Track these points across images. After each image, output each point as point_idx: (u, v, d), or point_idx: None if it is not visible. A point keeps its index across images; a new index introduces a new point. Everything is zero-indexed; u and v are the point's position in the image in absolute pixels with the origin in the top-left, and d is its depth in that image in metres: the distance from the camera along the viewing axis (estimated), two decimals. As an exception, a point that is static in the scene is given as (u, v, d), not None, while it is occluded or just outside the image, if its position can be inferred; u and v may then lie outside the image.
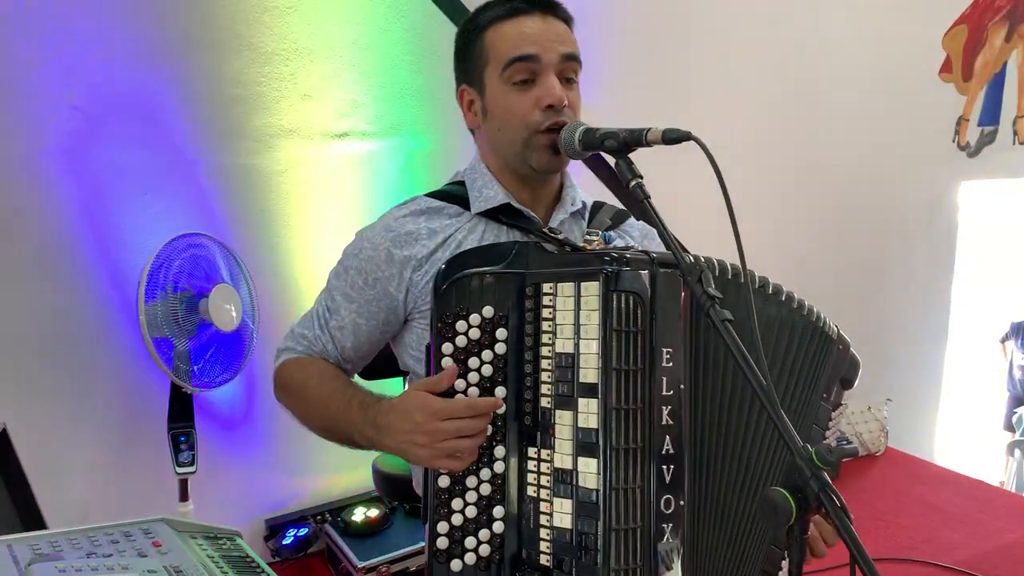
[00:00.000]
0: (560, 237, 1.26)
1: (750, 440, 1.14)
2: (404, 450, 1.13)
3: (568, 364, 1.07)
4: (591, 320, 1.05)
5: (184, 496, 2.14)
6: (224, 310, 2.07)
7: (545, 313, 1.11)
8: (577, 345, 1.07)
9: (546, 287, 1.11)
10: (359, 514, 2.47)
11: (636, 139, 1.12)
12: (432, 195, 1.38)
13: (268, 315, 2.31)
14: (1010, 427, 4.22)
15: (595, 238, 1.24)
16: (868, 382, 3.50)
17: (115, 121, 2.16)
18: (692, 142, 1.06)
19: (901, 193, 3.78)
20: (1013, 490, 3.74)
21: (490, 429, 1.11)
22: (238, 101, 2.30)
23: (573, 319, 1.07)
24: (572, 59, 1.28)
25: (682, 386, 1.08)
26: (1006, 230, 4.18)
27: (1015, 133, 4.12)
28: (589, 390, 1.05)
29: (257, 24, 2.28)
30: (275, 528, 2.48)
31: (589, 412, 1.05)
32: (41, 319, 2.12)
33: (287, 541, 2.43)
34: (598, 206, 1.46)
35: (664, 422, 1.06)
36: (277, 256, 2.42)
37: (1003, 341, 4.33)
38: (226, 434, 2.42)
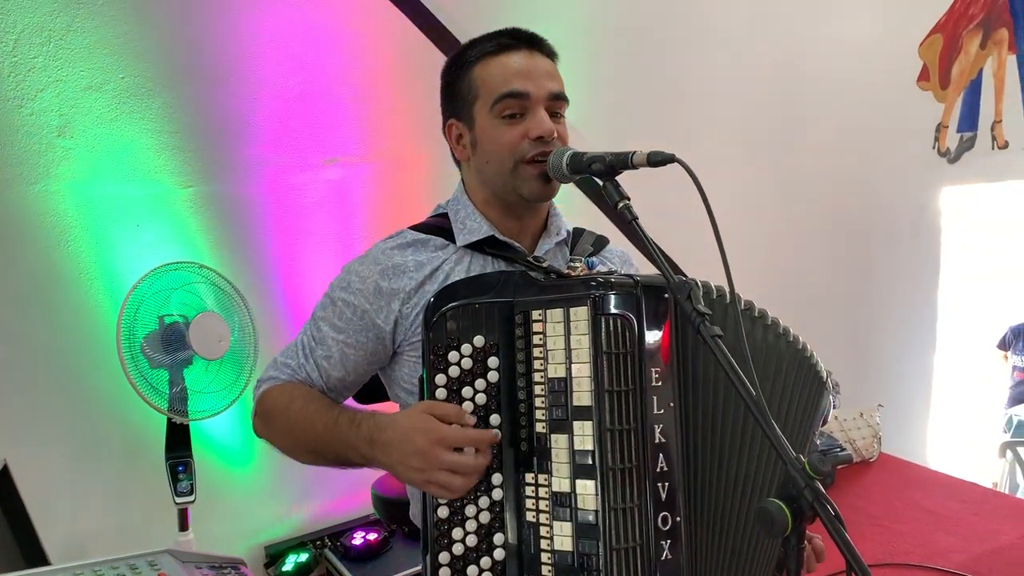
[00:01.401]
0: (545, 265, 1.28)
1: (745, 454, 1.16)
2: (398, 471, 1.14)
3: (561, 388, 1.10)
4: (582, 344, 1.08)
5: (184, 526, 2.14)
6: (208, 338, 2.07)
7: (535, 340, 1.14)
8: (569, 369, 1.09)
9: (535, 314, 1.14)
10: (358, 538, 2.47)
11: (622, 162, 1.15)
12: (417, 228, 1.39)
13: (257, 343, 2.32)
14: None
15: (579, 264, 1.27)
16: (859, 388, 3.55)
17: (105, 154, 2.18)
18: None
19: (885, 199, 3.84)
20: (1006, 491, 3.77)
21: (490, 456, 1.12)
22: (226, 131, 2.32)
23: (564, 344, 1.10)
24: (559, 98, 1.30)
25: (671, 404, 1.10)
26: (989, 233, 4.24)
27: (993, 138, 4.19)
28: (583, 412, 1.08)
29: (244, 54, 2.30)
30: (275, 555, 2.48)
31: (584, 434, 1.07)
32: (36, 353, 2.12)
33: (287, 567, 2.42)
34: (578, 233, 1.48)
35: (657, 440, 1.09)
36: (266, 284, 2.43)
37: (1004, 348, 4.37)
38: (225, 462, 2.43)
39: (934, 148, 3.97)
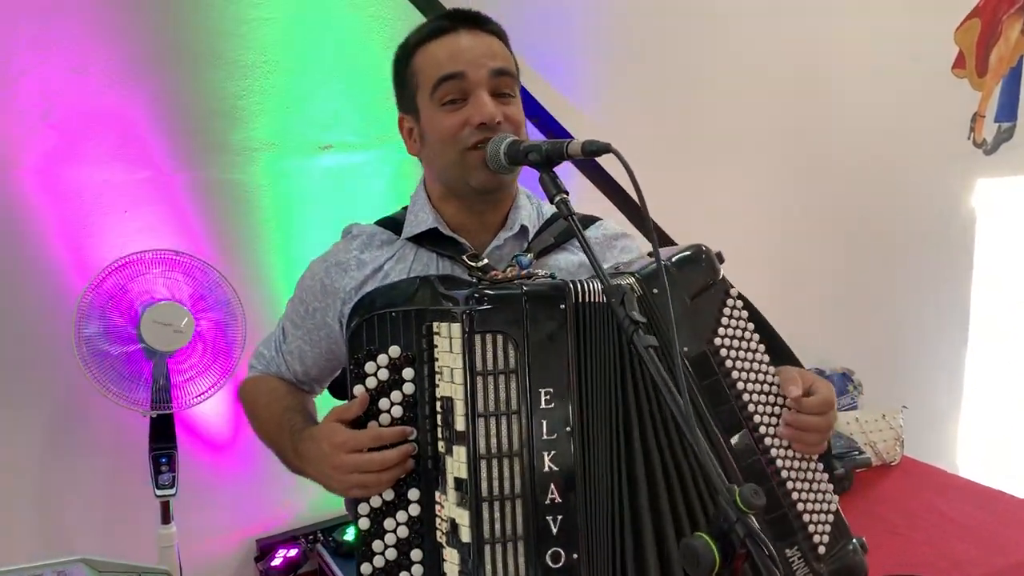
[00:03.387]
0: (479, 265, 1.22)
1: (687, 483, 1.07)
2: (322, 482, 1.14)
3: (448, 408, 1.05)
4: (456, 363, 1.02)
5: (167, 519, 2.10)
6: (160, 329, 2.00)
7: (436, 353, 1.09)
8: (452, 389, 1.04)
9: (435, 326, 1.09)
10: (351, 533, 2.41)
11: (558, 152, 1.07)
12: (378, 221, 1.37)
13: (249, 331, 2.26)
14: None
15: (511, 264, 1.20)
16: (883, 389, 3.41)
17: (92, 138, 2.13)
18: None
19: (915, 192, 3.67)
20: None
21: (411, 464, 1.09)
22: (217, 115, 2.26)
23: (451, 361, 1.05)
24: (504, 74, 1.22)
25: (568, 428, 1.02)
26: (1027, 228, 4.04)
27: (1033, 129, 3.99)
28: (460, 437, 1.03)
29: (234, 36, 2.24)
30: (265, 549, 2.43)
31: (459, 460, 1.02)
32: (17, 341, 2.09)
33: (276, 562, 2.37)
34: (550, 222, 1.38)
35: (547, 469, 1.00)
36: (259, 271, 2.37)
37: None
38: (213, 453, 2.38)
39: (969, 139, 3.79)
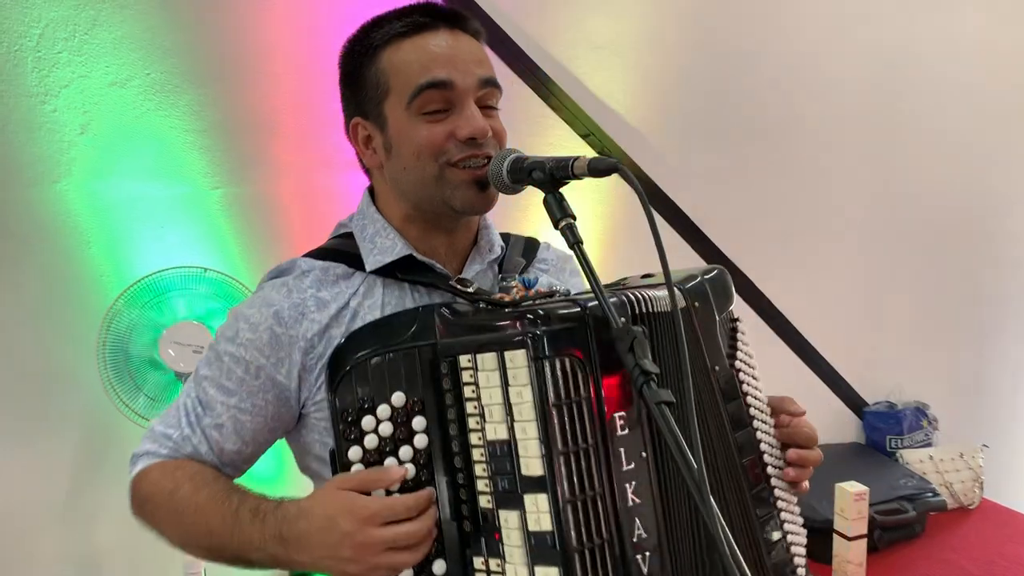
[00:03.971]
0: (471, 290, 1.06)
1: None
2: (329, 567, 0.93)
3: (505, 453, 0.89)
4: (523, 397, 0.87)
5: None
6: (177, 351, 1.92)
7: (467, 392, 0.93)
8: (512, 429, 0.88)
9: (463, 360, 0.93)
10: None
11: (563, 170, 0.95)
12: (312, 254, 1.16)
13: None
14: None
15: (514, 285, 1.05)
16: (962, 426, 3.17)
17: (129, 152, 2.12)
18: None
19: (1003, 213, 3.41)
20: None
21: (434, 519, 0.93)
22: (253, 129, 2.22)
23: (502, 398, 0.89)
24: (492, 84, 1.09)
25: (644, 454, 0.90)
26: None
27: None
28: (535, 484, 0.87)
29: (271, 50, 2.21)
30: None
31: (540, 511, 0.86)
32: (50, 358, 2.08)
33: (307, 589, 2.31)
34: (506, 240, 1.25)
35: (631, 503, 0.88)
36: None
37: None
38: (250, 478, 2.33)
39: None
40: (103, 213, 2.11)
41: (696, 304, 1.05)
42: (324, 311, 1.09)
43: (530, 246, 1.26)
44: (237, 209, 2.25)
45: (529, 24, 2.39)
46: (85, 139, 2.07)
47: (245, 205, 2.26)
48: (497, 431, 0.89)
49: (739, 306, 2.65)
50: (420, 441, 0.94)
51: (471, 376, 0.92)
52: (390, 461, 0.94)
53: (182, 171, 2.18)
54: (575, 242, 0.92)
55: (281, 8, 2.20)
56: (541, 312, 0.89)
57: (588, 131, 2.51)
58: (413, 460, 0.94)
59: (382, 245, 1.12)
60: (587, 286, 1.30)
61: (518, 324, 0.89)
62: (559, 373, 0.86)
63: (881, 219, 3.06)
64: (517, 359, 0.87)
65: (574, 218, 0.93)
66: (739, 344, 1.11)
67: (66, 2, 2.00)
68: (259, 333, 1.08)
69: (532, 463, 0.86)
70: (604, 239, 2.57)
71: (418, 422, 0.94)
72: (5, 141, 2.01)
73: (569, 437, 0.86)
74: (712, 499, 0.72)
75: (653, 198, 2.58)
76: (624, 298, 0.96)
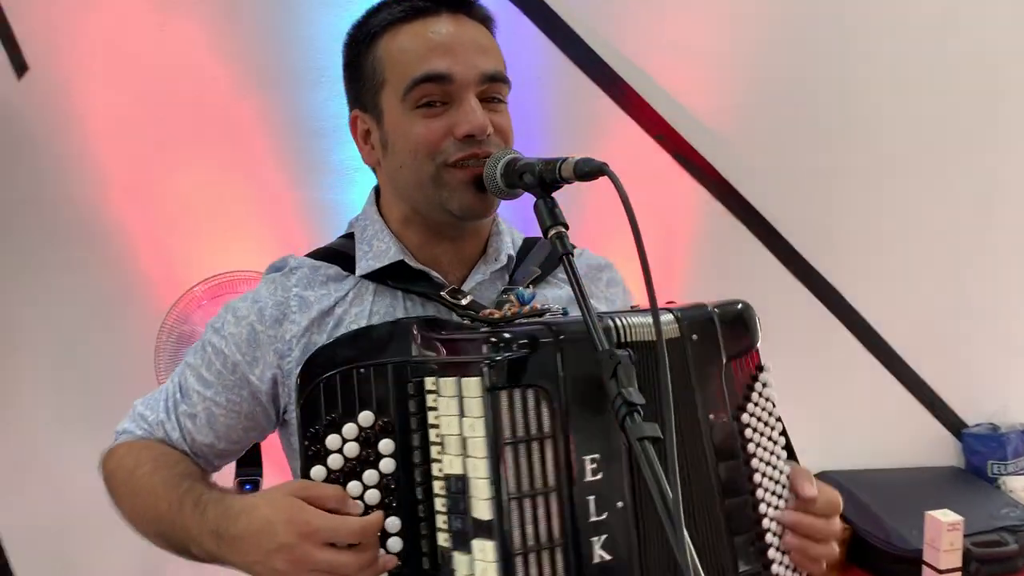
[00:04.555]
0: (463, 303, 0.99)
1: None
2: (258, 573, 0.87)
3: (459, 490, 0.82)
4: (476, 431, 0.79)
5: (250, 545, 2.05)
6: None
7: (431, 418, 0.86)
8: (465, 464, 0.81)
9: (428, 383, 0.86)
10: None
11: (552, 172, 0.87)
12: (310, 253, 1.11)
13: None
14: None
15: (508, 298, 0.97)
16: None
17: (198, 155, 2.15)
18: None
19: None
20: None
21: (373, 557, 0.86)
22: (319, 135, 2.22)
23: (458, 428, 0.81)
24: (496, 79, 1.01)
25: (620, 504, 0.81)
26: None
27: None
28: (482, 528, 0.79)
29: (337, 56, 2.19)
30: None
31: (486, 560, 0.78)
32: (116, 353, 2.11)
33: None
34: (527, 248, 1.16)
35: (597, 559, 0.79)
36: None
37: None
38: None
39: None
40: (170, 213, 2.15)
41: (694, 336, 0.93)
42: (305, 313, 1.03)
43: (555, 254, 1.18)
44: (304, 212, 2.26)
45: (599, 21, 2.30)
46: (156, 141, 2.11)
47: (311, 209, 2.26)
48: (453, 464, 0.82)
49: (825, 320, 2.56)
50: (386, 466, 0.88)
51: (434, 401, 0.85)
52: (354, 484, 0.87)
53: (247, 173, 2.21)
54: (564, 253, 0.84)
55: (346, 11, 2.18)
56: (507, 335, 0.81)
57: (660, 133, 2.41)
58: (378, 485, 0.88)
59: (377, 249, 1.06)
60: (625, 300, 1.21)
61: (482, 347, 0.81)
62: (518, 406, 0.79)
63: (984, 225, 2.82)
64: (471, 387, 0.79)
65: (566, 227, 0.86)
66: (755, 395, 0.98)
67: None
68: (240, 328, 1.04)
69: (480, 505, 0.79)
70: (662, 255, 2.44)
71: (385, 445, 0.88)
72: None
73: (525, 480, 0.78)
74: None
75: (732, 202, 2.45)
76: (609, 322, 0.87)
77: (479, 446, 0.79)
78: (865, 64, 2.58)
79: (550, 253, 1.14)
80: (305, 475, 0.88)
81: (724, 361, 0.96)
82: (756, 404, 0.99)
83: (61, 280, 2.11)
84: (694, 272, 2.44)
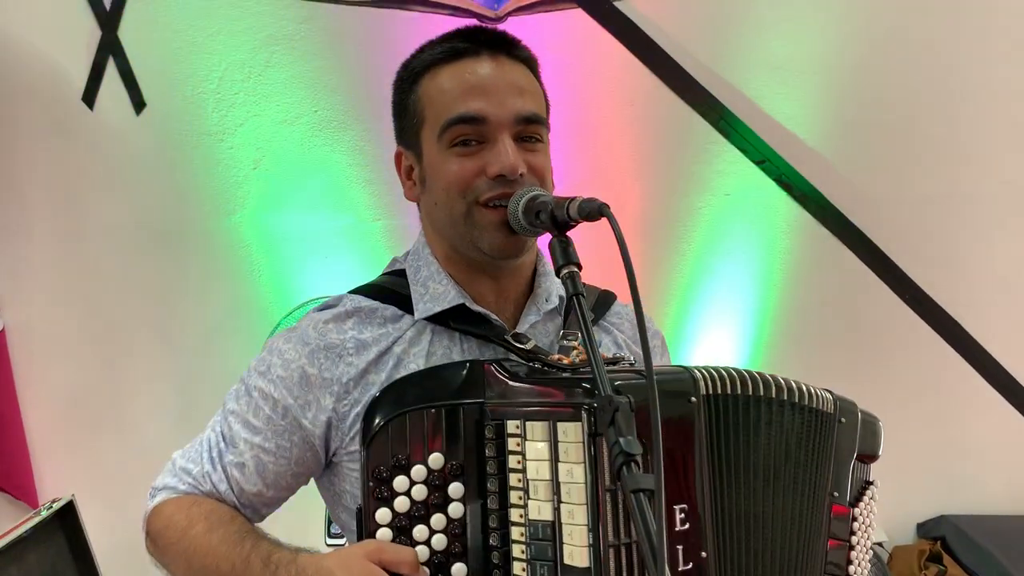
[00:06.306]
0: (527, 347, 0.95)
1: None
2: None
3: (548, 537, 0.79)
4: (574, 477, 0.77)
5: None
6: None
7: (512, 462, 0.83)
8: (558, 511, 0.78)
9: (511, 426, 0.83)
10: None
11: (562, 212, 0.84)
12: (362, 291, 1.07)
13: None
14: None
15: (575, 345, 0.93)
16: None
17: (298, 186, 2.22)
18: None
19: None
20: None
21: None
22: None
23: (550, 474, 0.79)
24: (532, 121, 0.98)
25: (704, 554, 0.80)
26: None
27: None
28: None
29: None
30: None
31: None
32: (219, 379, 2.19)
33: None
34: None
35: None
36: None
37: None
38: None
39: None
40: (273, 243, 2.22)
41: (842, 420, 1.00)
42: (363, 355, 1.00)
43: (602, 300, 1.14)
44: (397, 240, 2.28)
45: (697, 45, 2.26)
46: (257, 174, 2.20)
47: (405, 237, 2.29)
48: (541, 511, 0.79)
49: (935, 343, 2.38)
50: (455, 510, 0.85)
51: (518, 444, 0.82)
52: (420, 528, 0.85)
53: (346, 203, 2.25)
54: (575, 293, 0.80)
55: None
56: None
57: (763, 157, 2.33)
58: (445, 530, 0.85)
59: (434, 291, 1.03)
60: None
61: (575, 390, 0.79)
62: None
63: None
64: (570, 433, 0.77)
65: (579, 266, 0.82)
66: (866, 498, 1.05)
67: (244, 46, 2.14)
68: (291, 371, 1.01)
69: (577, 552, 0.76)
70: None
71: (455, 488, 0.85)
72: (188, 177, 2.17)
73: (622, 528, 0.75)
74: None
75: (838, 226, 2.34)
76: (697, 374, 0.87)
77: (577, 492, 0.76)
78: (982, 86, 2.42)
79: (597, 299, 1.13)
80: (369, 518, 0.86)
81: (855, 454, 1.03)
82: (866, 507, 1.04)
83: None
84: (791, 293, 2.36)
